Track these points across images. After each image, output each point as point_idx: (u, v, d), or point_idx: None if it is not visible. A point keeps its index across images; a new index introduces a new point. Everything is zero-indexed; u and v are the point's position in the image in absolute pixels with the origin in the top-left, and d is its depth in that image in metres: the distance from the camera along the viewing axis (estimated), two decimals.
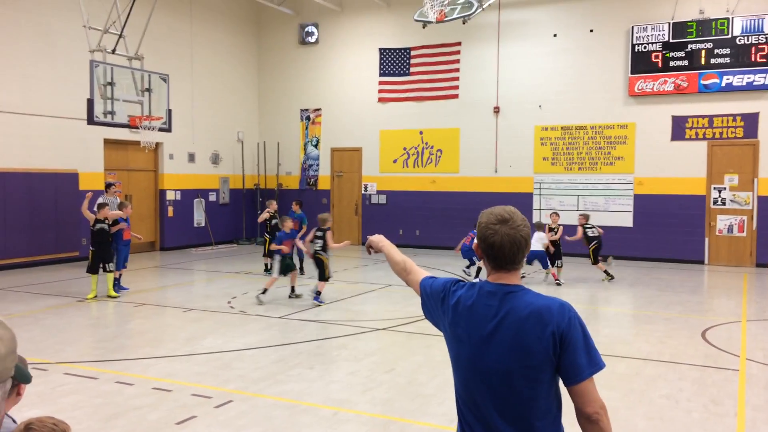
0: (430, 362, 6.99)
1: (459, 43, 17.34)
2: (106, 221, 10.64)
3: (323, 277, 10.18)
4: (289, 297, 10.58)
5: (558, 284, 12.10)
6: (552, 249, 12.35)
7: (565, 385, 2.09)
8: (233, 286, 11.93)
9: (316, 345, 7.76)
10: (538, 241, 12.00)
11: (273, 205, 13.77)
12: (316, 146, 19.49)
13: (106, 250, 10.57)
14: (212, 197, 18.67)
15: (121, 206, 11.45)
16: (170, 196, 17.36)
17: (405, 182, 18.26)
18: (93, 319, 9.32)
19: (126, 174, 16.23)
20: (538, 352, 2.06)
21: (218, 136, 18.78)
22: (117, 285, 11.02)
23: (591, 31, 15.97)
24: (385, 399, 5.86)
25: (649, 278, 13.09)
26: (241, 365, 6.83)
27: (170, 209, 17.32)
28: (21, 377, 1.32)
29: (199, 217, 18.18)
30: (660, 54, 15.19)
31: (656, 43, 15.21)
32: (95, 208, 13.90)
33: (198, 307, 9.97)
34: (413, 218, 17.94)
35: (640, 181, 15.65)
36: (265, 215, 13.43)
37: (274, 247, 10.70)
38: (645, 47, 15.32)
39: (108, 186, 13.84)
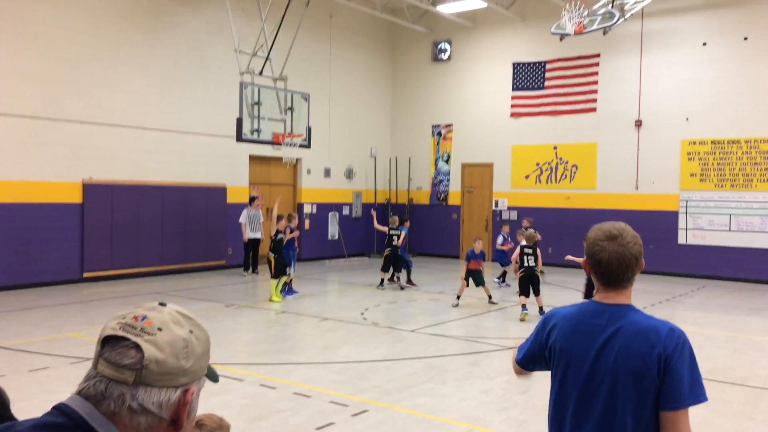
0: None
1: (598, 55, 16.76)
2: (281, 232, 11.71)
3: (537, 292, 10.47)
4: (488, 303, 11.47)
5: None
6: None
7: (660, 408, 2.00)
8: (365, 297, 12.23)
9: (447, 360, 7.77)
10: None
11: (395, 222, 13.97)
12: (447, 161, 19.59)
13: (282, 257, 11.65)
14: (345, 211, 19.29)
15: (289, 218, 12.28)
16: (307, 209, 18.15)
17: (537, 198, 17.85)
18: (239, 324, 9.92)
19: (268, 188, 17.20)
20: (643, 374, 2.00)
21: (352, 152, 19.42)
22: (289, 289, 12.09)
23: (745, 38, 14.82)
24: (521, 420, 5.75)
25: None
26: (376, 376, 6.98)
27: (307, 222, 18.10)
28: (211, 376, 1.34)
29: (333, 230, 18.83)
30: None
31: None
32: (243, 220, 14.76)
33: (333, 317, 10.32)
34: (546, 235, 17.38)
35: None
36: (403, 237, 13.74)
37: (462, 276, 11.53)
38: None
39: (252, 199, 14.72)
